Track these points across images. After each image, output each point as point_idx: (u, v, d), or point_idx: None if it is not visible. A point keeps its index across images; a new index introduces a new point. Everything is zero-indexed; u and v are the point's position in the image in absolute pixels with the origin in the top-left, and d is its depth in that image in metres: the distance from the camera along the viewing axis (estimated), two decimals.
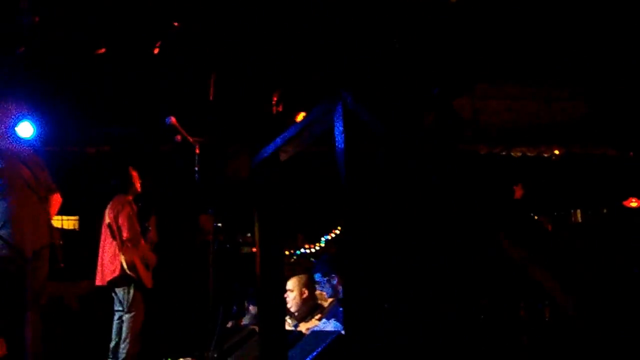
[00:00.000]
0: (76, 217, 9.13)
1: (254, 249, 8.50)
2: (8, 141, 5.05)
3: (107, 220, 6.60)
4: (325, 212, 9.12)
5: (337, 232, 9.29)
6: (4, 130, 5.17)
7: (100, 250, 6.65)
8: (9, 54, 6.54)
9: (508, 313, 3.40)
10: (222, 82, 6.58)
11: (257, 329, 5.72)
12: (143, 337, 7.83)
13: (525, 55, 7.35)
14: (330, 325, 4.71)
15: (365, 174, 2.38)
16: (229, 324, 6.79)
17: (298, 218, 8.75)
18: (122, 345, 6.44)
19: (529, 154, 9.84)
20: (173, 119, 5.64)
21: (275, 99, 6.91)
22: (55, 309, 8.12)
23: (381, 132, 2.30)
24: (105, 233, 6.64)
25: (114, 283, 6.52)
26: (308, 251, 9.56)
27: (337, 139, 2.36)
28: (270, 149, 2.82)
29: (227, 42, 6.62)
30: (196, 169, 5.47)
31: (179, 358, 5.79)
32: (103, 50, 6.49)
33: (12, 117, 6.28)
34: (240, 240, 8.93)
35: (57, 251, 5.15)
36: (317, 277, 5.48)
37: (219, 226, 5.38)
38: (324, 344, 4.14)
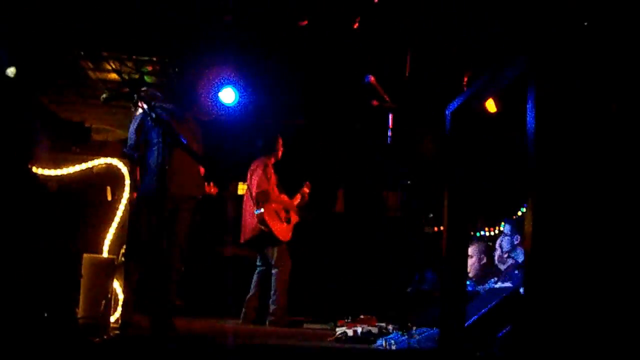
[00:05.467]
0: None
1: (436, 229, 8.72)
2: (183, 108, 5.50)
3: (247, 180, 7.10)
4: (507, 194, 9.09)
5: (519, 215, 9.29)
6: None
7: (243, 209, 7.17)
8: (217, 22, 7.01)
9: None
10: (417, 60, 6.69)
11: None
12: (329, 296, 8.28)
13: None
14: (505, 285, 4.93)
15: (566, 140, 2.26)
16: (409, 289, 7.10)
17: (479, 199, 8.82)
18: (271, 299, 6.86)
19: None
20: (372, 78, 5.65)
21: (465, 79, 6.95)
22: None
23: None
24: (247, 193, 7.16)
25: (255, 239, 6.97)
26: (487, 234, 9.62)
27: (529, 95, 2.38)
28: (465, 95, 3.00)
29: (423, 19, 6.70)
30: (389, 134, 5.53)
31: (361, 315, 6.11)
32: (305, 22, 6.79)
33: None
34: (424, 220, 9.15)
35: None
36: (506, 229, 5.71)
37: (408, 184, 5.54)
38: (499, 298, 4.38)
